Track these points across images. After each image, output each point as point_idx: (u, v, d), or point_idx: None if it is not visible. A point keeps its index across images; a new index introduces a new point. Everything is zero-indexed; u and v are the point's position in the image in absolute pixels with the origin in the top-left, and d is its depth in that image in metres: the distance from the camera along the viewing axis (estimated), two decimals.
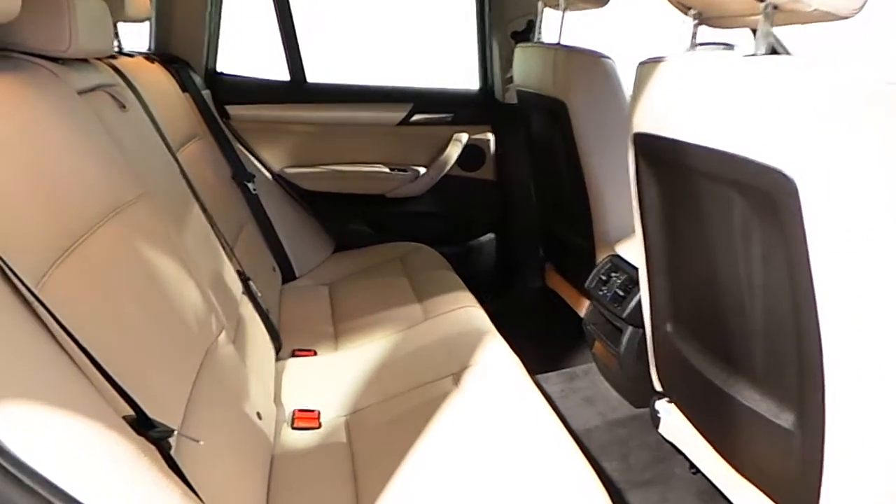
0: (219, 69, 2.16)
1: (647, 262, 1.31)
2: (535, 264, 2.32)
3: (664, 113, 1.07)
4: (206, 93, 2.03)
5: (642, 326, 1.42)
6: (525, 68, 1.97)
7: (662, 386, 1.42)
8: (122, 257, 0.95)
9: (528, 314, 2.27)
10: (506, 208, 2.35)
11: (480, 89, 2.35)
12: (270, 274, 1.95)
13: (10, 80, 0.91)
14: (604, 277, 1.70)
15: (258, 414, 1.18)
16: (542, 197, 2.20)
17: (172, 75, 1.86)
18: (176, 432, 0.71)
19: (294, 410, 1.32)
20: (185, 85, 1.91)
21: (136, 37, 1.99)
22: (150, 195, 1.12)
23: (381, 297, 1.79)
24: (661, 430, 1.43)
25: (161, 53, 1.97)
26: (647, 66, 1.11)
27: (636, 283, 1.55)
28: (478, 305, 1.66)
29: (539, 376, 1.89)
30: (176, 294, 1.05)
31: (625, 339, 1.60)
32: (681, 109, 1.02)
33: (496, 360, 1.38)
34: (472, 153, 2.29)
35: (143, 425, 0.68)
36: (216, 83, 2.12)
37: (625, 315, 1.59)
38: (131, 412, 0.70)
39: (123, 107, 1.23)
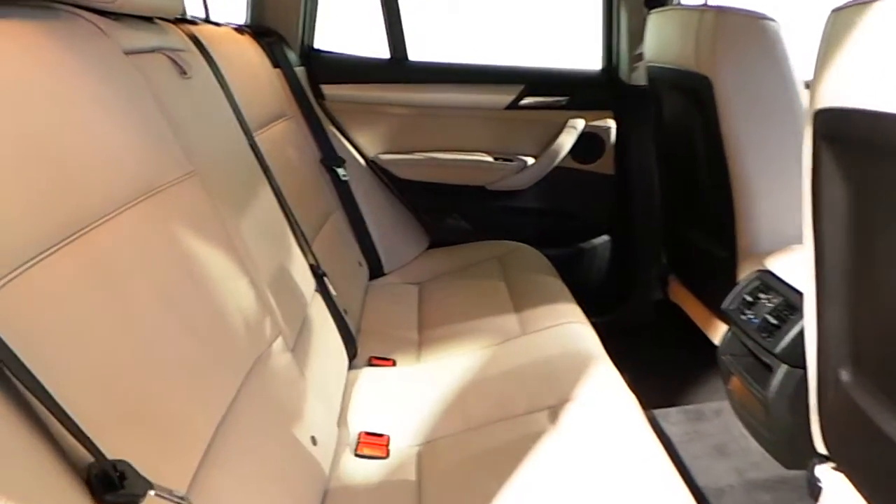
0: (316, 46, 2.04)
1: (819, 284, 1.02)
2: (657, 274, 2.06)
3: (874, 77, 0.76)
4: (300, 70, 1.91)
5: (802, 367, 1.14)
6: (660, 39, 1.68)
7: (828, 448, 1.13)
8: (152, 247, 0.80)
9: (646, 334, 2.03)
10: (625, 207, 2.09)
11: (603, 69, 2.09)
12: (355, 269, 1.81)
13: (35, 30, 0.76)
14: (749, 298, 1.41)
15: (313, 438, 1.02)
16: (670, 195, 1.93)
17: (263, 49, 1.75)
18: (153, 493, 0.52)
19: (360, 433, 1.18)
20: (277, 61, 1.79)
21: None
22: (201, 175, 0.97)
23: (474, 303, 1.63)
24: (821, 503, 1.13)
25: (254, 26, 1.86)
26: (849, 12, 0.79)
27: (797, 309, 1.28)
28: (585, 321, 1.48)
29: (656, 412, 1.65)
30: (220, 293, 0.91)
31: (776, 380, 1.31)
32: None
33: (604, 391, 1.20)
34: (588, 142, 2.04)
35: (103, 483, 0.49)
36: (312, 60, 2.00)
37: (778, 350, 1.30)
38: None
39: (184, 73, 1.09)
